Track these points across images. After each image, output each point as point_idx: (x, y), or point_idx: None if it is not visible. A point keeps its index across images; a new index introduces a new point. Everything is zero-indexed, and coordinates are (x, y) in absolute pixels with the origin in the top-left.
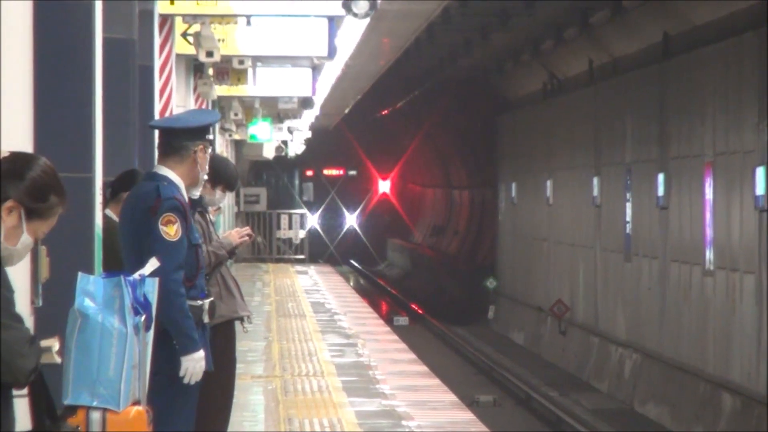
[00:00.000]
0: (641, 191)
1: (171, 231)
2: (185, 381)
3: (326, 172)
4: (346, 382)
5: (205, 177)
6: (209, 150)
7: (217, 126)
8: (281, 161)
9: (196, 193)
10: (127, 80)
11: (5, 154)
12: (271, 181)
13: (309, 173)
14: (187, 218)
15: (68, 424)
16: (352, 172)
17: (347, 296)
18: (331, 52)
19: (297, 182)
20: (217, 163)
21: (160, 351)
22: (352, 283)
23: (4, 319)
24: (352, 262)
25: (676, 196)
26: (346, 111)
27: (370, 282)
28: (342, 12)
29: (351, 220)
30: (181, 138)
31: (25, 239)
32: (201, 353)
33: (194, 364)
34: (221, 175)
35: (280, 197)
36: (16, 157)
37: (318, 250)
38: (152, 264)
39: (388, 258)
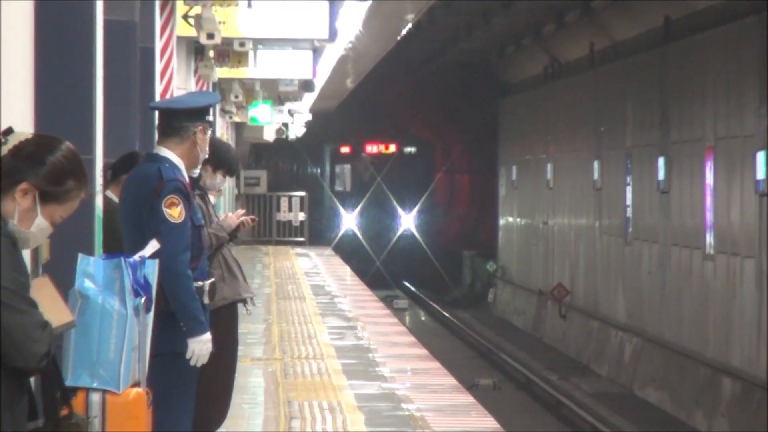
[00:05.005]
0: (642, 175)
1: (175, 213)
2: (192, 363)
3: (370, 149)
4: (345, 364)
5: (205, 156)
6: (209, 131)
7: (218, 108)
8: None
9: (196, 172)
10: (128, 62)
11: (28, 135)
12: (283, 164)
13: (344, 150)
14: (189, 199)
15: (78, 414)
16: (410, 149)
17: (347, 279)
18: (332, 35)
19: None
20: (218, 147)
21: (162, 332)
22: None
23: (17, 304)
24: (407, 284)
25: (677, 181)
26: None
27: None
28: None
29: (407, 221)
30: (181, 119)
31: (40, 222)
32: (208, 335)
33: (201, 346)
34: (223, 160)
35: (302, 186)
36: (39, 140)
37: (358, 267)
38: (153, 246)
39: (465, 281)
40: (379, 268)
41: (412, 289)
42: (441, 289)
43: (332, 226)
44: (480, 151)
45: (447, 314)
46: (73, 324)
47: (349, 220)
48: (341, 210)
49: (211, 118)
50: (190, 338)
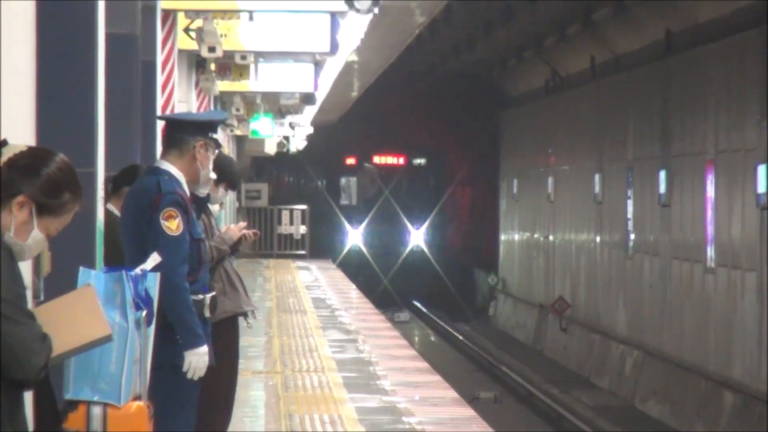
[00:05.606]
0: (643, 188)
1: (172, 225)
2: (189, 376)
3: (378, 160)
4: (346, 378)
5: (213, 176)
6: (212, 149)
7: None
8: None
9: (204, 191)
10: (129, 75)
11: (22, 148)
12: (284, 177)
13: (350, 162)
14: (188, 212)
15: (67, 429)
16: (419, 161)
17: (348, 292)
18: (333, 48)
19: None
20: (221, 161)
21: (162, 345)
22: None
23: (16, 315)
24: (417, 304)
25: (678, 194)
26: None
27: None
28: (344, 8)
29: (417, 237)
30: (182, 131)
31: (36, 235)
32: (205, 348)
33: (198, 359)
34: (225, 174)
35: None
36: (34, 153)
37: (364, 285)
38: (154, 259)
39: (478, 302)
40: (387, 286)
41: (424, 310)
42: (453, 310)
43: (336, 242)
44: (481, 164)
45: (448, 328)
46: (110, 338)
47: (356, 237)
48: (346, 225)
49: (216, 136)
50: (186, 351)
